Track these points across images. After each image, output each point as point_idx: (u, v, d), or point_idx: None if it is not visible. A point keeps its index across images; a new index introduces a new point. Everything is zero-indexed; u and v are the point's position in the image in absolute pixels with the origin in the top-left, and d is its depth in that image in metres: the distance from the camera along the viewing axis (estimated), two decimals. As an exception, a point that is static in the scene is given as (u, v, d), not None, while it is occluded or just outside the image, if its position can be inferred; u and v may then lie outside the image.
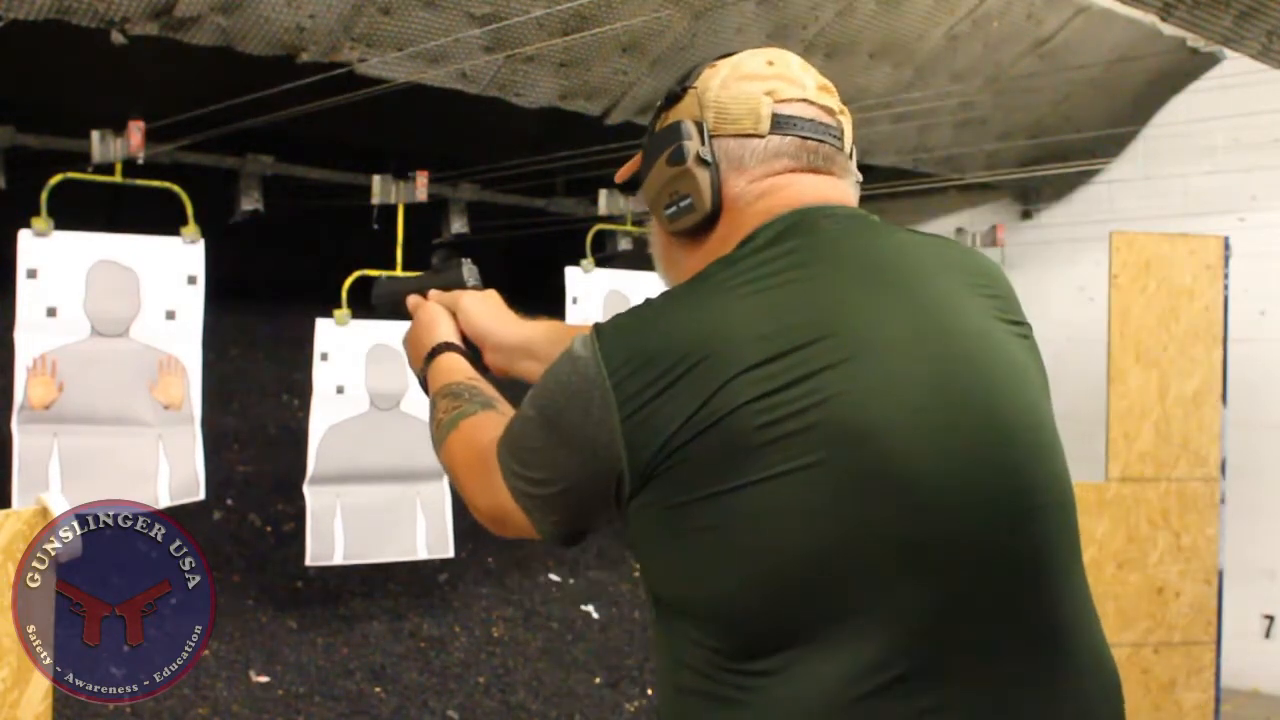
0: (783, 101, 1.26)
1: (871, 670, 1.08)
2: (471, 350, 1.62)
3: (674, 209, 1.27)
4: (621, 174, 1.44)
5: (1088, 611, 1.20)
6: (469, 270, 1.68)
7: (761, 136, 1.25)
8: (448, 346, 1.60)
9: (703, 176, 1.25)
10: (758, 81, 1.27)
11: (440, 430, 1.45)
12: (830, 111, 1.29)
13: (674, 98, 1.31)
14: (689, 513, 1.11)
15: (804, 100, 1.27)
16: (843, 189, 1.29)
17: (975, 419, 1.14)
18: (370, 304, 1.82)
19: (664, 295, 1.24)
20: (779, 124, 1.25)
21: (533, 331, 1.63)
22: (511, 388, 1.48)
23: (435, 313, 1.65)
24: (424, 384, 1.59)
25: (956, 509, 1.11)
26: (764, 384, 1.10)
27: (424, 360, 1.60)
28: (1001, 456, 1.14)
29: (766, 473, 1.08)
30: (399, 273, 4.07)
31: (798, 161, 1.26)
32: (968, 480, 1.12)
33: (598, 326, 1.20)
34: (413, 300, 1.70)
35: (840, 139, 1.29)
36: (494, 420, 1.38)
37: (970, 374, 1.15)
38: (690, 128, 1.26)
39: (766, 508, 1.09)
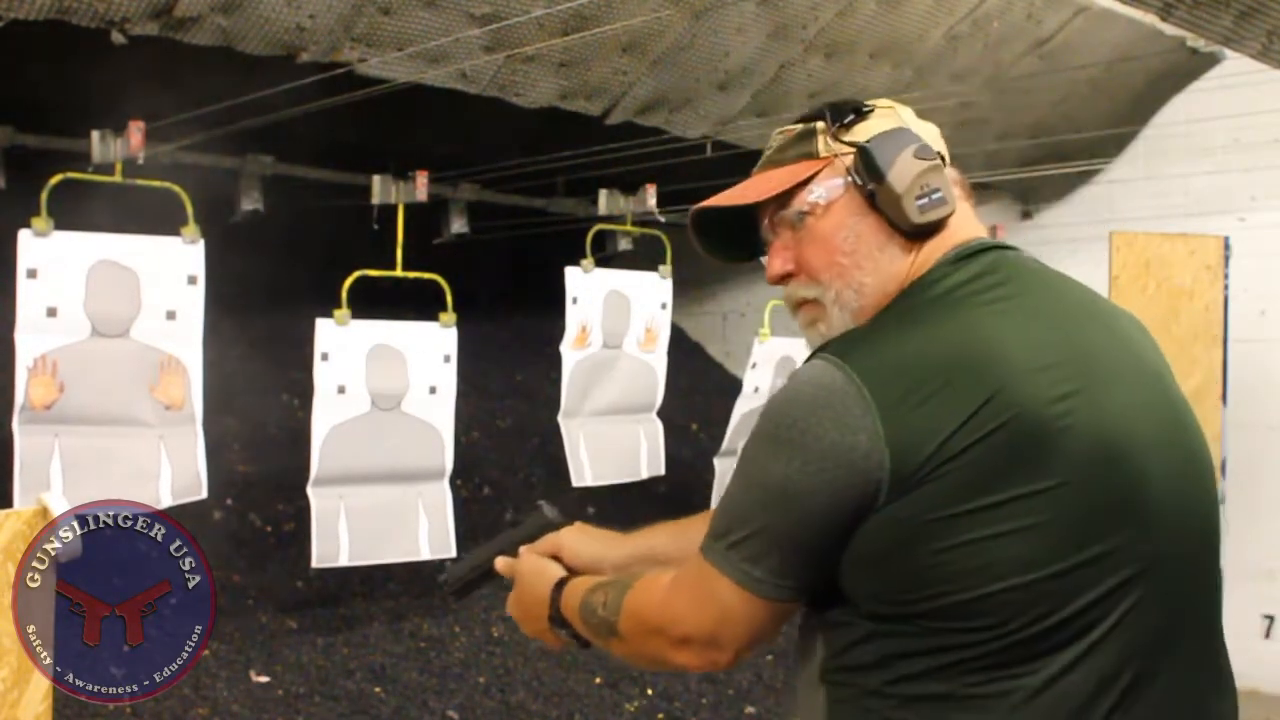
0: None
1: (1108, 682, 1.15)
2: None
3: (925, 200, 1.28)
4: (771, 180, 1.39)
5: None
6: (550, 509, 1.59)
7: (946, 163, 1.33)
8: (568, 578, 1.47)
9: (946, 175, 1.30)
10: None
11: (608, 614, 1.35)
12: None
13: (865, 112, 1.36)
14: (955, 525, 1.13)
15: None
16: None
17: (1184, 453, 1.25)
18: (447, 594, 1.67)
19: (890, 319, 1.25)
20: (945, 159, 1.34)
21: (650, 538, 1.56)
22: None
23: (538, 562, 1.52)
24: (559, 623, 1.45)
25: (1180, 532, 1.21)
26: (1046, 390, 1.15)
27: (549, 604, 1.45)
28: (1201, 488, 1.26)
29: (1034, 485, 1.13)
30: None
31: (961, 190, 1.35)
32: (1184, 507, 1.23)
33: (821, 351, 1.21)
34: (502, 563, 1.57)
35: None
36: (662, 572, 1.33)
37: (1172, 411, 1.27)
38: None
39: (1029, 523, 1.13)
